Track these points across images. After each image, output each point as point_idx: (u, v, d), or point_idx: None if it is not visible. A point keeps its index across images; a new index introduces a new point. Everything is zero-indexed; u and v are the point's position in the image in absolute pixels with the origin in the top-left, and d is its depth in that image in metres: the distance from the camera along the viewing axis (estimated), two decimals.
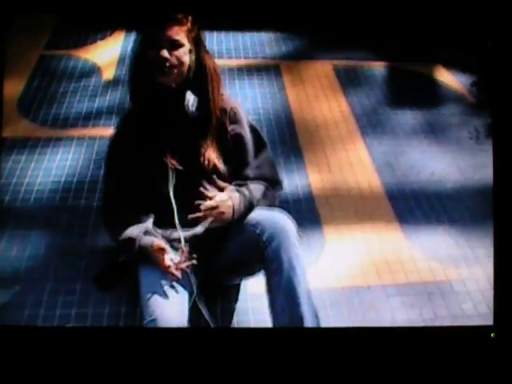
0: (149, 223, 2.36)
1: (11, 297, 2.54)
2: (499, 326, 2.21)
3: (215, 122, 2.39)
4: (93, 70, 4.19)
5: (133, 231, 2.31)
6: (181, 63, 2.31)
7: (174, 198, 2.34)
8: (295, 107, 3.90)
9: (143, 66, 2.33)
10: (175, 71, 2.31)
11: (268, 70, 4.28)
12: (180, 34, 2.30)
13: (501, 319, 2.21)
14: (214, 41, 4.54)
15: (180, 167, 2.35)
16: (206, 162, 2.36)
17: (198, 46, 2.36)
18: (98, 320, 2.46)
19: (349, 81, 4.22)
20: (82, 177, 3.22)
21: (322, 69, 4.34)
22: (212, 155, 2.37)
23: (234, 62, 4.33)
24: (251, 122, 2.52)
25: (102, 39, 4.58)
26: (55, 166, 3.29)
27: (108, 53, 4.43)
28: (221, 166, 2.40)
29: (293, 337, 2.21)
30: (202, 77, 2.36)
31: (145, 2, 2.79)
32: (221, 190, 2.39)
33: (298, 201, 2.62)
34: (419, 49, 4.59)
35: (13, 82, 3.97)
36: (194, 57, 2.34)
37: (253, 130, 2.49)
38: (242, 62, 4.36)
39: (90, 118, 3.71)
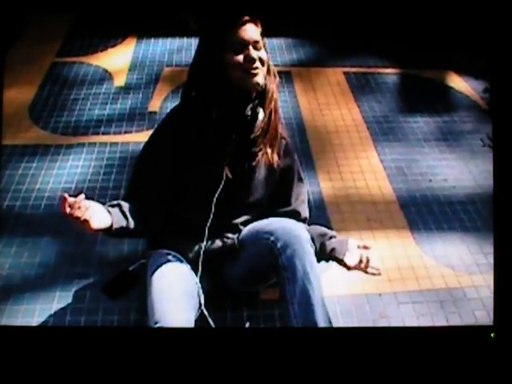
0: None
1: (21, 304, 2.52)
2: (499, 326, 2.19)
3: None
4: (104, 77, 4.21)
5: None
6: (264, 65, 2.15)
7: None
8: (306, 115, 3.90)
9: (222, 70, 2.12)
10: (262, 73, 2.14)
11: (279, 77, 4.26)
12: (258, 35, 2.14)
13: (501, 319, 2.19)
14: None
15: (231, 176, 2.22)
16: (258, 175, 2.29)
17: (267, 51, 2.20)
18: None
19: (360, 88, 4.21)
20: (93, 183, 3.21)
21: (334, 76, 4.33)
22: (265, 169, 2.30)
23: None
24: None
25: (112, 46, 4.61)
26: (66, 172, 3.29)
27: (119, 59, 4.44)
28: (271, 181, 2.35)
29: (293, 337, 2.19)
30: (269, 85, 2.20)
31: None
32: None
33: (310, 208, 2.60)
34: (431, 55, 4.58)
35: (24, 90, 3.99)
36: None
37: (298, 164, 2.46)
38: None
39: (100, 125, 3.71)
